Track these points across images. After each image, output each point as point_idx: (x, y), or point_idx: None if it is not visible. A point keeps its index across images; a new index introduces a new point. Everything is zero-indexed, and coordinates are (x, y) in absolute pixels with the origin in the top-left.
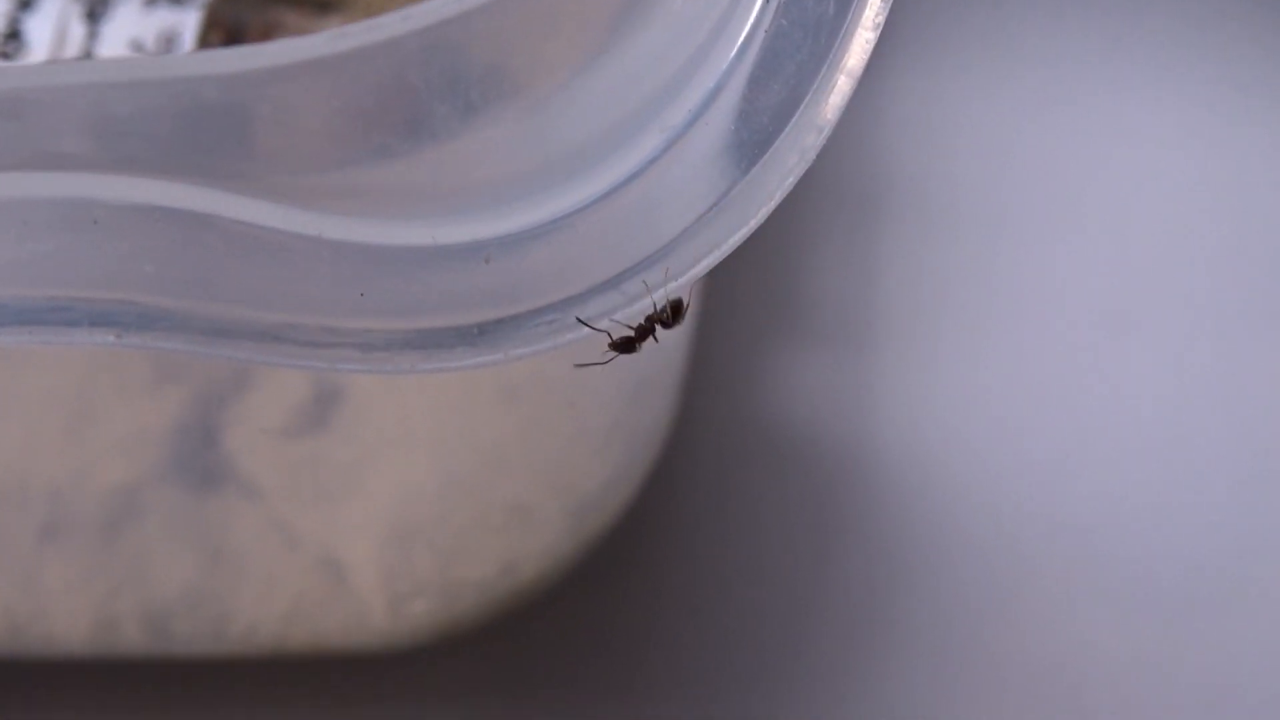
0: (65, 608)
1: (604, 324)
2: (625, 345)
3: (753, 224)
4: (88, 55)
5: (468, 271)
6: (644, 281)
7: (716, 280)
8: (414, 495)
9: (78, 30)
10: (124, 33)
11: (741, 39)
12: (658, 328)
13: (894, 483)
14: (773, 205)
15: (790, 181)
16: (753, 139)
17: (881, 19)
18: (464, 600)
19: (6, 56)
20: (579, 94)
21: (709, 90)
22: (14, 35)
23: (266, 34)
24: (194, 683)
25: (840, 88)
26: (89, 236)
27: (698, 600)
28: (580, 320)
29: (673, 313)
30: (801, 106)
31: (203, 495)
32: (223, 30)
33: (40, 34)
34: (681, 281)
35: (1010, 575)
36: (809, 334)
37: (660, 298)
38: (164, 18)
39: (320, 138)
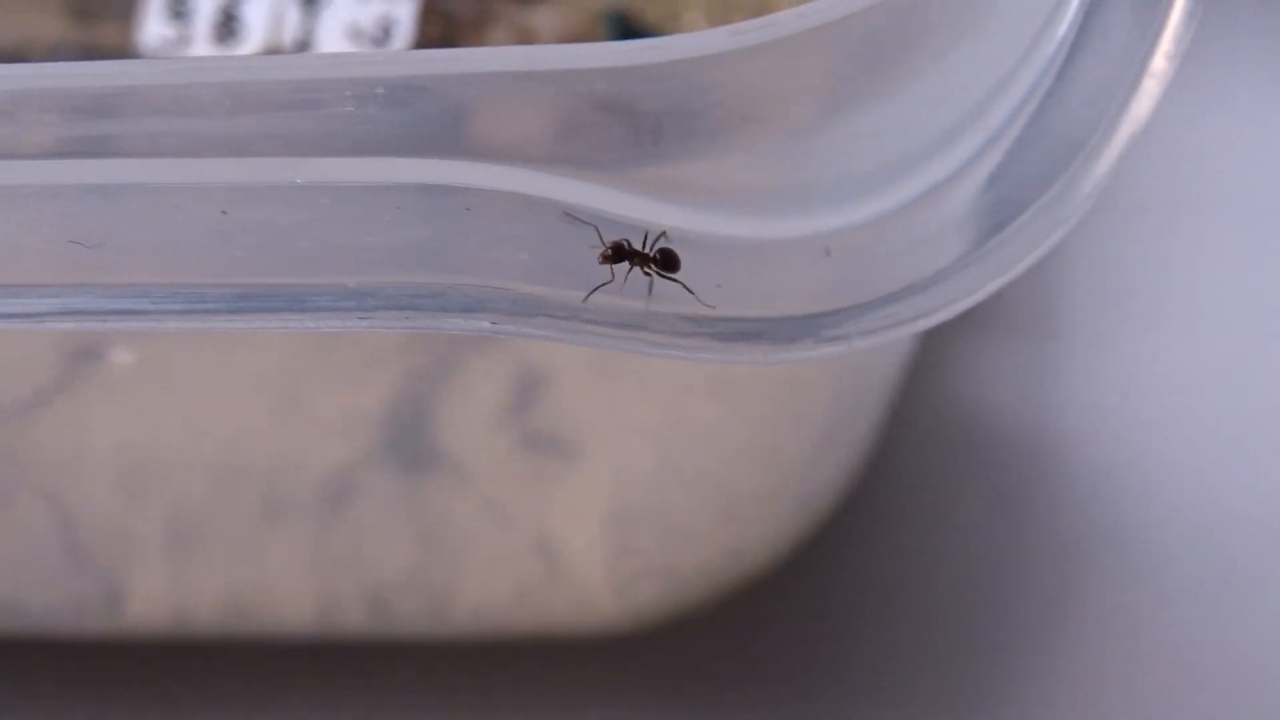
0: (287, 588)
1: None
2: (616, 255)
3: (1074, 220)
4: (304, 42)
5: (810, 263)
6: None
7: None
8: (630, 480)
9: (294, 15)
10: (341, 18)
11: (1059, 38)
12: (652, 267)
13: (1083, 471)
14: (1093, 199)
15: (1108, 177)
16: (1070, 135)
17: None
18: (690, 585)
19: (223, 40)
20: (910, 100)
21: (1027, 89)
22: (230, 19)
23: (478, 24)
24: (420, 665)
25: (1148, 89)
26: (462, 223)
27: (908, 589)
28: (568, 214)
29: (665, 261)
30: (1116, 104)
31: (416, 477)
32: (439, 19)
33: (257, 18)
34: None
35: (1199, 565)
36: (998, 323)
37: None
38: (379, 6)
39: (671, 128)
